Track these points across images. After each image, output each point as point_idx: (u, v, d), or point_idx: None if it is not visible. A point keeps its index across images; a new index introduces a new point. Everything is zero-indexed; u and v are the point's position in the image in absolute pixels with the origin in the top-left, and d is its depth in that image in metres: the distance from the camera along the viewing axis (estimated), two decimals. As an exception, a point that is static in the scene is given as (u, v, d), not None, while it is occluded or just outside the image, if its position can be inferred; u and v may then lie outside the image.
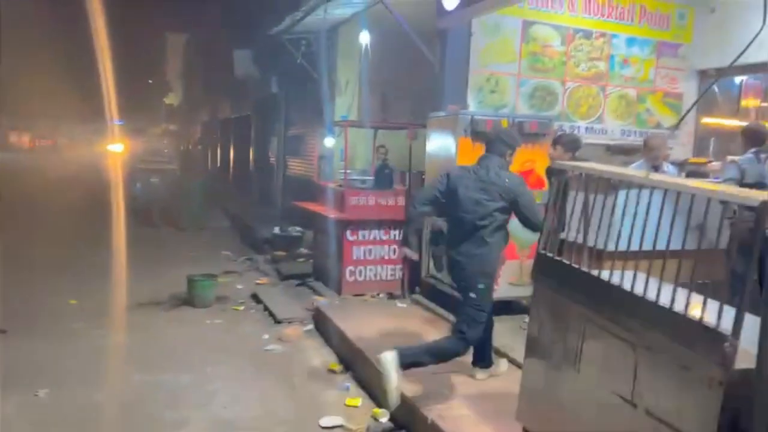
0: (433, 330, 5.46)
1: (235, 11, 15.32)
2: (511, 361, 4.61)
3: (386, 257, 6.97)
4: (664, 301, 2.41)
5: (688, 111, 7.47)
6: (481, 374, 4.40)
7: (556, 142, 5.01)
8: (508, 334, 5.13)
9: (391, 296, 6.94)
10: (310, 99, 10.60)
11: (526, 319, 5.36)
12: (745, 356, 2.10)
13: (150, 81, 52.50)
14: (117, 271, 8.19)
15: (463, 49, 6.32)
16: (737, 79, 7.56)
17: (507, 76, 6.58)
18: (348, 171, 7.55)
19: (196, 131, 34.24)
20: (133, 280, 7.53)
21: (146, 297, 6.92)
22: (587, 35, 6.90)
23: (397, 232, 6.91)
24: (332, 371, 4.99)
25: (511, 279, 5.61)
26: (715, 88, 7.69)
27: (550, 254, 3.21)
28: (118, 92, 24.28)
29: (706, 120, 7.65)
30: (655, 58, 7.26)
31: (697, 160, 6.78)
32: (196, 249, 10.05)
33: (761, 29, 2.44)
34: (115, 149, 31.40)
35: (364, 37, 7.82)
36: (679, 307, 2.33)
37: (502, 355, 4.76)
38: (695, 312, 2.26)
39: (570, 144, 5.00)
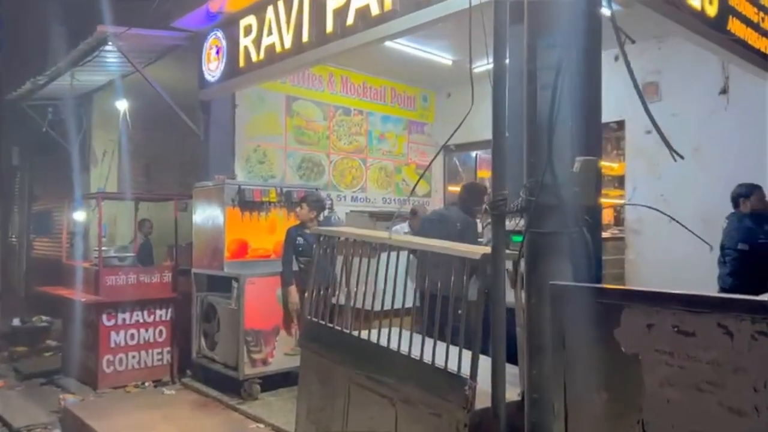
0: (204, 415, 5.05)
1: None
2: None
3: (151, 340, 6.35)
4: (416, 353, 2.56)
5: (418, 181, 8.32)
6: None
7: (302, 201, 5.28)
8: (287, 409, 4.98)
9: (158, 383, 6.30)
10: (59, 171, 9.51)
11: (304, 389, 5.31)
12: (485, 396, 2.30)
13: None
14: None
15: (228, 120, 6.31)
16: (473, 153, 8.80)
17: (274, 147, 6.71)
18: (104, 248, 6.82)
19: None
20: None
21: None
22: (347, 112, 7.43)
23: (164, 311, 6.38)
24: (82, 482, 4.27)
25: (286, 349, 5.51)
26: (456, 160, 8.84)
27: (315, 319, 3.23)
28: None
29: (452, 188, 8.70)
30: (407, 135, 8.10)
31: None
32: None
33: (467, 114, 2.87)
34: None
35: (122, 105, 7.35)
36: (427, 357, 2.49)
37: (284, 433, 4.58)
38: (440, 361, 2.44)
39: (315, 203, 5.31)
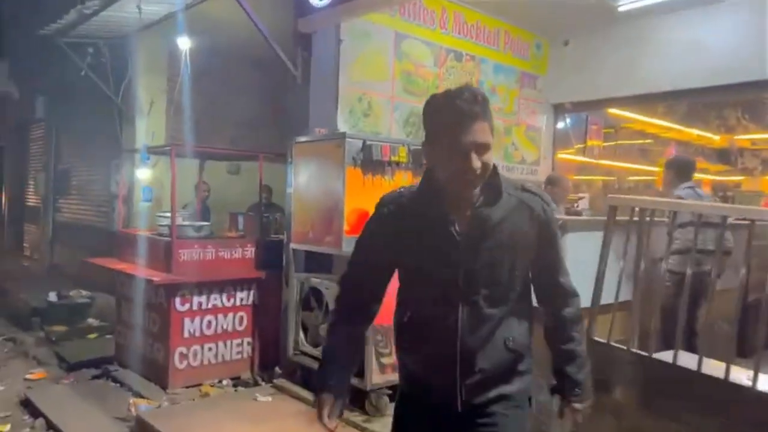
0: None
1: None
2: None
3: (230, 329, 5.19)
4: None
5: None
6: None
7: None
8: None
9: (237, 381, 5.17)
10: (97, 122, 8.24)
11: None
12: None
13: None
14: None
15: (332, 59, 5.01)
16: (583, 116, 7.50)
17: (381, 97, 5.41)
18: (165, 215, 5.60)
19: None
20: None
21: None
22: (458, 57, 6.10)
23: (245, 294, 5.22)
24: None
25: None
26: (568, 122, 7.55)
27: (618, 345, 2.01)
28: None
29: (563, 154, 7.44)
30: (518, 89, 6.79)
31: (571, 197, 6.37)
32: None
33: None
34: None
35: (185, 43, 6.03)
36: None
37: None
38: None
39: None
